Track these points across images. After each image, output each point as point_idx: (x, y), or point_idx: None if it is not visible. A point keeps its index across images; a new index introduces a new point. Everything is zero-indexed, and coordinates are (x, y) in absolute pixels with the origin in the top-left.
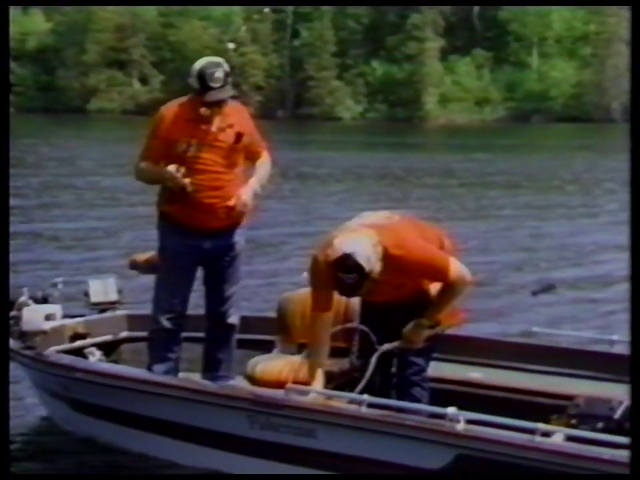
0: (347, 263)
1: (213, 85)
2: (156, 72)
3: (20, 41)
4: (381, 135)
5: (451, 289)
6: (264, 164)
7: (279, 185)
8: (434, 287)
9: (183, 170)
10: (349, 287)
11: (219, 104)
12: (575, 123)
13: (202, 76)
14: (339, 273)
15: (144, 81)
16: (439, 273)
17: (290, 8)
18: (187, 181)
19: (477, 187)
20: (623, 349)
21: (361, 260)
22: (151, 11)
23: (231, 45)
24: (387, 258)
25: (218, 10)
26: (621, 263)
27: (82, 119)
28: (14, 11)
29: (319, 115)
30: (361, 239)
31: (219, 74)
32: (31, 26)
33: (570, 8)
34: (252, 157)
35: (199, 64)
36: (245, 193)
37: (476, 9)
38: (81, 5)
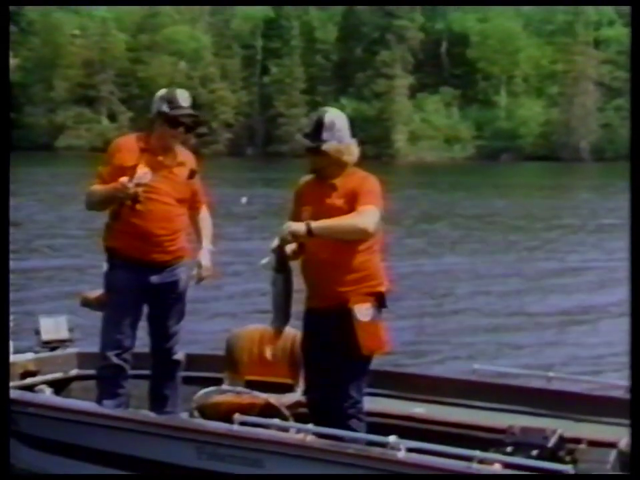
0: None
1: (182, 104)
2: (124, 108)
3: None
4: None
5: (354, 220)
6: (207, 220)
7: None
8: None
9: (134, 177)
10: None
11: (190, 118)
12: (543, 162)
13: (171, 97)
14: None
15: (112, 117)
16: (366, 199)
17: (259, 44)
18: (139, 189)
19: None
20: (558, 384)
21: (328, 122)
22: (119, 45)
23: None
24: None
25: (187, 45)
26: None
27: (49, 157)
28: None
29: (289, 153)
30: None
31: (186, 95)
32: None
33: (538, 46)
34: (192, 207)
35: (161, 91)
36: (204, 258)
37: (444, 45)
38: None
